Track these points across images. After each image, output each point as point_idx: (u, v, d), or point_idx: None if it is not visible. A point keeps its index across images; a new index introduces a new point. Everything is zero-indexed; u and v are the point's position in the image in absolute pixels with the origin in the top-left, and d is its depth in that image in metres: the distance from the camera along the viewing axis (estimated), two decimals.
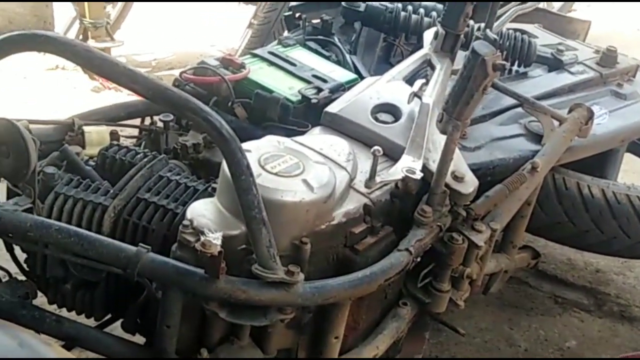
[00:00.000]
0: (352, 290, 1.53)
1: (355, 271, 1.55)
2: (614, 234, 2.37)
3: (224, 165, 1.47)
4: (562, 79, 2.49)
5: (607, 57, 2.58)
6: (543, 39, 2.70)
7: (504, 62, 1.55)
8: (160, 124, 2.00)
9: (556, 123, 2.16)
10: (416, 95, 1.89)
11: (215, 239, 1.34)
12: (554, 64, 2.55)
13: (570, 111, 2.20)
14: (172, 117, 1.98)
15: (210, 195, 1.60)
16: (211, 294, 1.40)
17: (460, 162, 1.85)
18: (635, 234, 2.37)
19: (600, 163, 2.60)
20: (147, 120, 2.07)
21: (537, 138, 2.16)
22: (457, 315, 2.11)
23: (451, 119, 1.65)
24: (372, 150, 1.64)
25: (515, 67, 2.53)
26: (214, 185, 1.65)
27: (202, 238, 1.34)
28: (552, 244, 2.84)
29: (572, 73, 2.51)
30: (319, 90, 2.05)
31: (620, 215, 2.35)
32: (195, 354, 1.51)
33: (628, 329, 2.68)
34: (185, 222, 1.44)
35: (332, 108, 1.90)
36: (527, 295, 2.81)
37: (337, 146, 1.75)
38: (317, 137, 1.81)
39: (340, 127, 1.87)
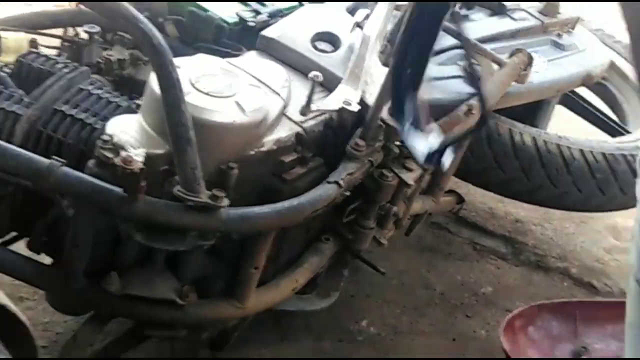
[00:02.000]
0: (277, 219, 1.48)
1: (282, 201, 1.50)
2: (541, 183, 2.37)
3: (152, 79, 1.38)
4: (504, 24, 2.45)
5: (549, 6, 2.54)
6: None
7: None
8: (84, 36, 1.87)
9: (496, 67, 2.12)
10: (358, 25, 1.82)
11: (137, 155, 1.26)
12: (497, 9, 2.50)
13: (510, 56, 2.16)
14: (97, 29, 1.85)
15: (134, 112, 1.51)
16: (128, 214, 1.33)
17: None
18: (562, 184, 2.37)
19: (532, 112, 2.59)
20: (71, 32, 1.93)
21: (475, 81, 2.12)
22: (375, 255, 2.08)
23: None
24: (310, 75, 1.56)
25: (457, 9, 2.47)
26: (138, 102, 1.55)
27: (123, 153, 1.26)
28: (474, 192, 2.84)
29: (513, 19, 2.48)
30: (257, 13, 1.94)
31: (549, 164, 2.35)
32: (105, 276, 1.44)
33: (543, 279, 2.70)
34: (104, 137, 1.35)
35: (269, 32, 1.81)
36: (446, 241, 2.81)
37: (273, 72, 1.67)
38: (252, 61, 1.72)
39: (277, 52, 1.78)
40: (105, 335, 1.63)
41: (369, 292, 2.42)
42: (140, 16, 1.23)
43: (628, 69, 2.90)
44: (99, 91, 1.59)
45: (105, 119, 1.50)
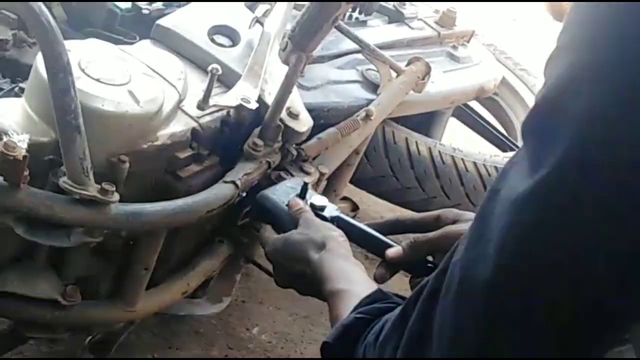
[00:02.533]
0: (170, 218, 1.40)
1: (175, 199, 1.43)
2: (435, 194, 2.38)
3: (39, 60, 1.28)
4: (401, 33, 2.44)
5: (446, 18, 2.56)
6: None
7: None
8: None
9: (394, 74, 2.11)
10: (258, 21, 1.77)
11: (20, 141, 1.16)
12: (395, 16, 2.50)
13: (408, 64, 2.16)
14: None
15: (17, 96, 1.41)
16: (8, 204, 1.22)
17: (296, 99, 1.75)
18: (456, 195, 2.39)
19: (427, 122, 2.60)
20: None
21: (372, 87, 2.11)
22: (265, 261, 2.03)
23: (296, 49, 1.55)
24: (209, 68, 1.48)
25: (355, 14, 2.46)
26: (22, 85, 1.45)
27: (5, 139, 1.16)
28: (366, 201, 2.83)
29: (411, 28, 2.48)
30: (152, 1, 1.86)
31: (443, 175, 2.36)
32: None
33: None
34: None
35: (165, 22, 1.72)
36: None
37: (168, 63, 1.58)
38: (146, 50, 1.63)
39: (173, 43, 1.70)
40: None
41: (261, 299, 2.36)
42: None
43: (518, 85, 2.97)
44: None
45: None
